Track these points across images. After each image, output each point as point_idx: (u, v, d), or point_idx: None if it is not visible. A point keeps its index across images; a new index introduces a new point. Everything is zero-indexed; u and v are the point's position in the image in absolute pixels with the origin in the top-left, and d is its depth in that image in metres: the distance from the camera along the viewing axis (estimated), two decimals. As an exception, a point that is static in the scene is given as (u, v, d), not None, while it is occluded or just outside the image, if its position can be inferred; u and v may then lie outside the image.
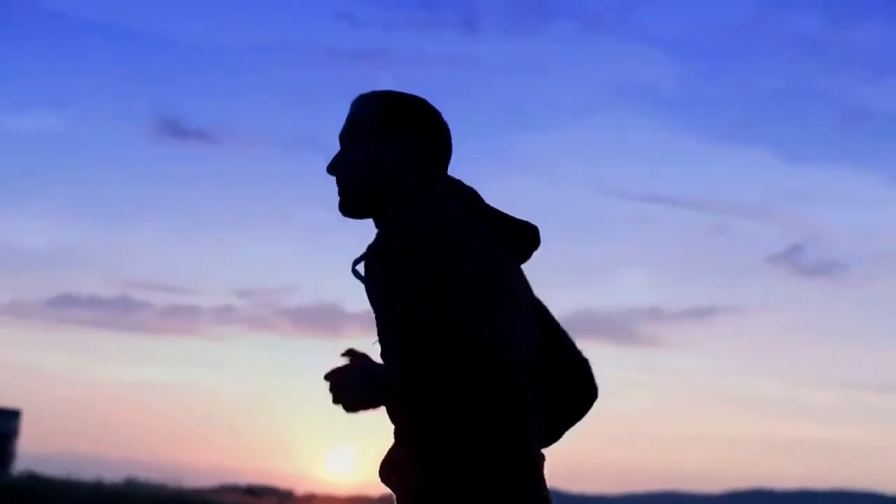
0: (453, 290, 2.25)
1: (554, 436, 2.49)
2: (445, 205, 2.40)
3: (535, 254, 2.51)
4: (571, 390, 2.49)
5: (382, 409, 2.30)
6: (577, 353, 2.52)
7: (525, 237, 2.48)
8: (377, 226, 2.48)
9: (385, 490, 2.43)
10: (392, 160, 2.45)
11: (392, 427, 2.37)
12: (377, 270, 2.29)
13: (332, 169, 2.52)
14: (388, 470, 2.37)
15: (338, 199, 2.51)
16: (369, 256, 2.32)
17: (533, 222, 2.49)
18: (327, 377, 2.24)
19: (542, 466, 2.37)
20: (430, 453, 2.27)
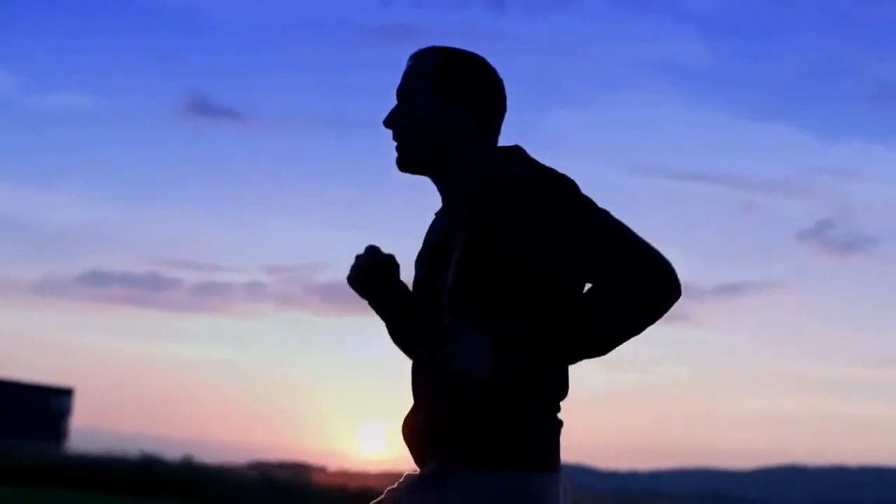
0: (528, 246, 2.34)
1: (607, 343, 2.34)
2: (518, 163, 2.42)
3: None
4: (624, 290, 2.30)
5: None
6: (634, 248, 2.32)
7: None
8: (436, 181, 2.53)
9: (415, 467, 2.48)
10: (452, 119, 2.47)
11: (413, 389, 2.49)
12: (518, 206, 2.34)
13: (389, 122, 2.53)
14: (413, 430, 2.46)
15: (395, 154, 2.53)
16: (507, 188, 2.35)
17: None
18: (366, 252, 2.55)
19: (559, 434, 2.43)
20: (460, 412, 2.36)
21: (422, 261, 2.56)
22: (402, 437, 2.50)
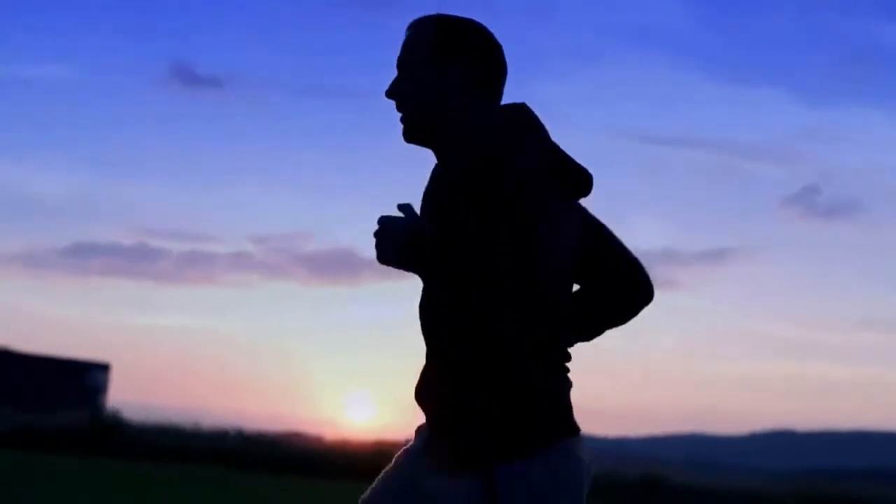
0: (521, 208, 2.30)
1: (596, 330, 2.56)
2: (512, 130, 2.42)
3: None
4: (617, 289, 2.54)
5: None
6: (627, 255, 2.56)
7: (578, 181, 2.46)
8: (439, 155, 2.51)
9: (408, 434, 2.53)
10: (453, 84, 2.49)
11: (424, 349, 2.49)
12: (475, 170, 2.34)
13: (391, 93, 2.53)
14: (424, 390, 2.49)
15: (400, 125, 2.52)
16: (444, 174, 2.39)
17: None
18: (379, 221, 2.37)
19: (568, 392, 2.44)
20: (458, 371, 2.39)
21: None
22: (417, 400, 2.51)
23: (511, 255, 2.28)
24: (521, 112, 2.47)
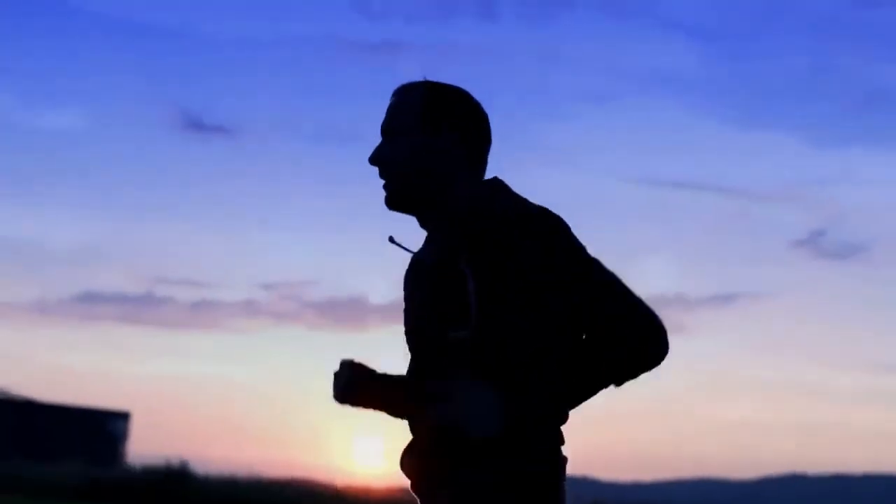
0: (535, 282, 2.31)
1: (592, 390, 2.42)
2: (507, 196, 2.42)
3: None
4: (620, 349, 2.37)
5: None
6: (642, 309, 2.39)
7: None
8: (423, 221, 2.48)
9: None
10: (441, 151, 2.43)
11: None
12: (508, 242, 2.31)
13: (375, 160, 2.47)
14: (409, 458, 2.44)
15: (383, 192, 2.48)
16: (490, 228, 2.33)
17: (557, 212, 2.44)
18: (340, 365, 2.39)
19: (564, 468, 2.40)
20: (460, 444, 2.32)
21: (409, 310, 2.50)
22: (402, 470, 2.47)
23: (532, 337, 2.30)
24: (502, 185, 2.45)
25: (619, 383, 2.40)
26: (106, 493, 20.70)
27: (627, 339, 2.35)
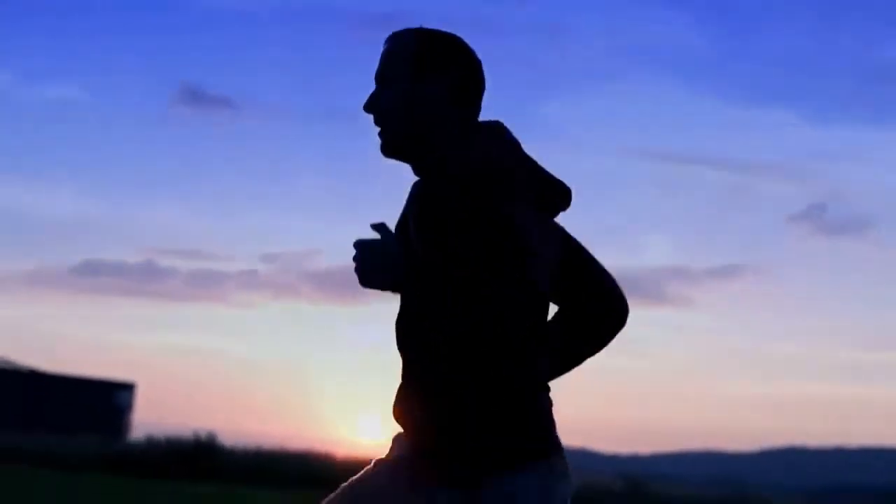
0: (500, 232, 2.29)
1: (576, 360, 2.52)
2: (491, 145, 2.42)
3: (565, 218, 2.51)
4: (595, 317, 2.49)
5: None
6: (607, 282, 2.51)
7: (557, 195, 2.47)
8: (418, 170, 2.48)
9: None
10: (431, 98, 2.45)
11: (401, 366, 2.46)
12: (441, 208, 2.31)
13: (369, 107, 2.50)
14: (404, 407, 2.45)
15: (378, 139, 2.49)
16: (432, 194, 2.34)
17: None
18: (356, 245, 2.37)
19: (550, 410, 2.43)
20: (441, 388, 2.35)
21: (399, 230, 2.52)
22: (395, 419, 2.49)
23: (503, 269, 2.27)
24: (499, 128, 2.47)
25: (592, 353, 2.52)
26: (115, 465, 20.79)
27: (600, 311, 2.47)
